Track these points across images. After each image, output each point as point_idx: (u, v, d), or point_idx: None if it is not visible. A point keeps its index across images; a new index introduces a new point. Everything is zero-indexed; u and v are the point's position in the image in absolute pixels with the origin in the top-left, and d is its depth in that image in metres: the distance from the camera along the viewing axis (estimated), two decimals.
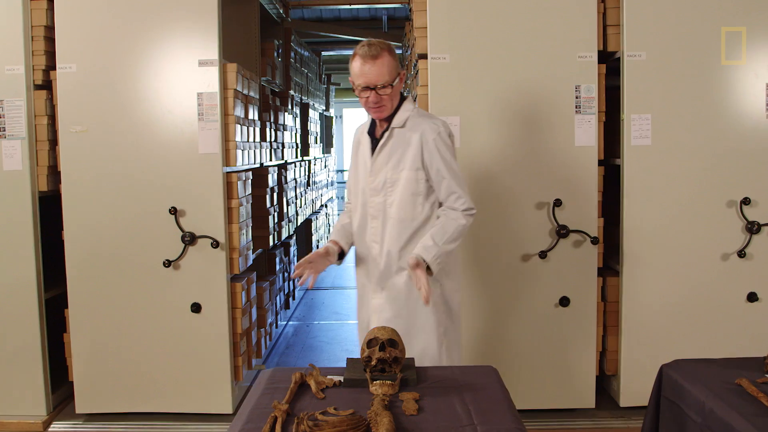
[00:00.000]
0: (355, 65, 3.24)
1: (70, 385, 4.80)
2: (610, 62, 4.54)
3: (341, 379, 2.68)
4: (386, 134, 3.34)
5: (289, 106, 7.22)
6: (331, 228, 11.25)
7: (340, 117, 16.78)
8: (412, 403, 2.43)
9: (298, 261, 3.56)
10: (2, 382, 4.66)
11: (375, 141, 3.41)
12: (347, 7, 11.03)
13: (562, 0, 4.38)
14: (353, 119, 17.73)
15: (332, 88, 11.87)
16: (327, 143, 11.51)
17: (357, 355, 3.20)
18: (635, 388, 4.56)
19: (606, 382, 4.84)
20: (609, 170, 4.65)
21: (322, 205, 10.27)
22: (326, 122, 11.45)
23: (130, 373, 4.62)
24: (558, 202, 4.41)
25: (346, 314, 7.75)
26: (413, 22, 4.68)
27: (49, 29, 4.55)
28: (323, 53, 11.63)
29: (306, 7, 10.50)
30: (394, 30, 11.60)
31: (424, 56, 4.50)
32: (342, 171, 16.66)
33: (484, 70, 4.41)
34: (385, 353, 2.63)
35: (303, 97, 8.27)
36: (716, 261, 4.50)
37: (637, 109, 4.42)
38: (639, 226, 4.48)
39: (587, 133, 4.42)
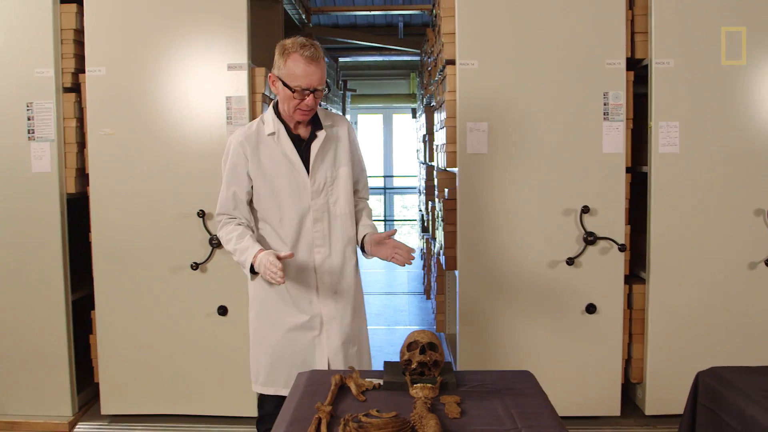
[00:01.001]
0: (298, 65, 3.07)
1: (95, 386, 4.82)
2: (637, 69, 4.55)
3: (380, 382, 2.69)
4: (320, 134, 3.26)
5: None
6: None
7: (356, 123, 16.81)
8: (455, 406, 2.43)
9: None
10: (29, 383, 4.68)
11: (300, 142, 3.27)
12: (363, 13, 11.08)
13: (591, 7, 4.39)
14: (368, 125, 17.77)
15: (348, 94, 11.89)
16: None
17: (379, 360, 3.23)
18: (661, 396, 4.55)
19: (631, 391, 4.83)
20: (636, 177, 4.65)
21: None
22: None
23: (156, 375, 4.64)
24: (585, 209, 4.41)
25: (369, 319, 7.71)
26: (441, 28, 4.69)
27: (79, 32, 4.58)
28: (340, 59, 11.65)
29: (323, 13, 10.55)
30: (409, 36, 11.64)
31: (451, 62, 4.51)
32: None
33: (512, 77, 4.42)
34: (425, 356, 2.64)
35: (322, 103, 8.29)
36: (743, 269, 4.49)
37: (665, 116, 4.42)
38: (666, 234, 4.48)
39: (615, 140, 4.43)
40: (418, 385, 2.57)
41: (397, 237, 3.30)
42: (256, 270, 3.10)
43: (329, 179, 3.28)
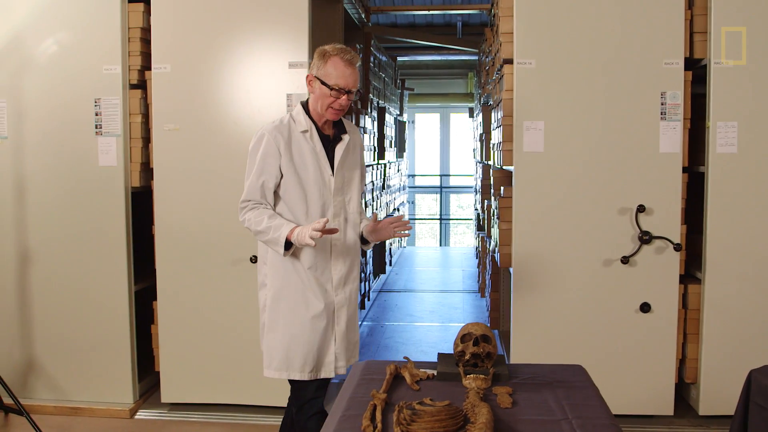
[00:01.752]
0: (337, 67, 3.27)
1: (155, 374, 4.97)
2: (696, 69, 4.53)
3: (434, 372, 2.76)
4: (345, 137, 3.45)
5: (369, 110, 7.33)
6: None
7: (413, 122, 16.87)
8: (507, 396, 2.49)
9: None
10: (92, 370, 4.85)
11: (326, 142, 3.44)
12: (422, 13, 11.11)
13: (649, 7, 4.39)
14: (425, 124, 17.80)
15: (406, 93, 11.96)
16: (400, 148, 11.61)
17: (432, 356, 3.30)
18: (715, 396, 4.53)
19: (685, 390, 4.82)
20: (692, 177, 4.64)
21: (395, 209, 10.37)
22: (400, 127, 11.56)
23: (215, 365, 4.76)
24: (641, 208, 4.41)
25: (420, 316, 7.82)
26: (499, 28, 4.73)
27: (145, 31, 4.72)
28: (398, 58, 11.70)
29: (382, 13, 10.61)
30: (467, 36, 11.64)
31: (509, 61, 4.55)
32: (413, 176, 16.73)
33: (569, 76, 4.44)
34: (478, 348, 2.70)
35: (380, 101, 8.38)
36: None
37: (724, 116, 4.40)
38: (722, 234, 4.46)
39: (672, 139, 4.42)
40: (471, 375, 2.63)
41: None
42: (294, 240, 3.22)
43: (347, 180, 3.46)
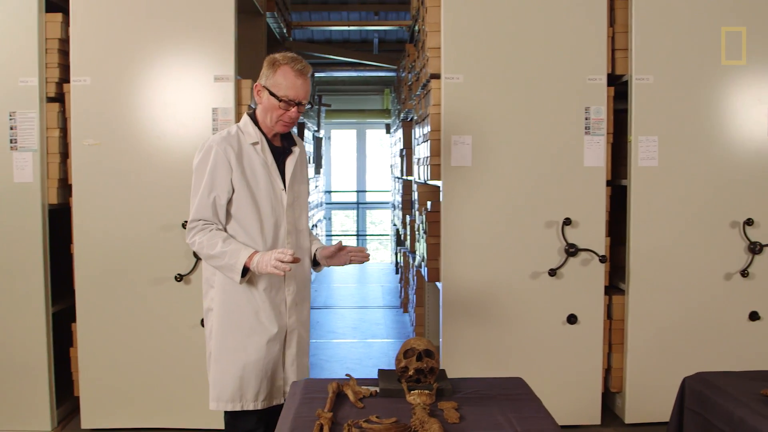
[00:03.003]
0: (287, 77, 3.11)
1: (75, 399, 4.79)
2: (617, 85, 4.64)
3: (377, 389, 2.72)
4: (295, 149, 3.30)
5: None
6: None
7: (329, 138, 16.84)
8: (453, 411, 2.47)
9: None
10: (8, 396, 4.63)
11: (276, 155, 3.26)
12: (339, 29, 11.11)
13: (573, 24, 4.49)
14: (342, 141, 17.81)
15: (323, 109, 11.92)
16: (318, 164, 11.55)
17: (359, 373, 3.24)
18: (640, 405, 4.63)
19: (611, 400, 4.89)
20: (615, 190, 4.73)
21: (313, 225, 10.30)
22: (317, 143, 11.50)
23: (138, 388, 4.61)
24: (567, 221, 4.48)
25: (342, 333, 7.76)
26: (425, 43, 4.75)
27: (64, 42, 4.57)
28: (315, 74, 11.68)
29: (300, 28, 10.58)
30: (384, 52, 11.71)
31: (436, 76, 4.57)
32: (330, 192, 16.70)
33: (496, 91, 4.49)
34: (422, 363, 2.68)
35: (300, 117, 8.32)
36: (719, 280, 4.59)
37: (645, 131, 4.52)
38: (645, 246, 4.56)
39: (596, 153, 4.51)
40: (416, 391, 2.60)
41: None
42: (254, 268, 3.03)
43: (297, 194, 3.31)
